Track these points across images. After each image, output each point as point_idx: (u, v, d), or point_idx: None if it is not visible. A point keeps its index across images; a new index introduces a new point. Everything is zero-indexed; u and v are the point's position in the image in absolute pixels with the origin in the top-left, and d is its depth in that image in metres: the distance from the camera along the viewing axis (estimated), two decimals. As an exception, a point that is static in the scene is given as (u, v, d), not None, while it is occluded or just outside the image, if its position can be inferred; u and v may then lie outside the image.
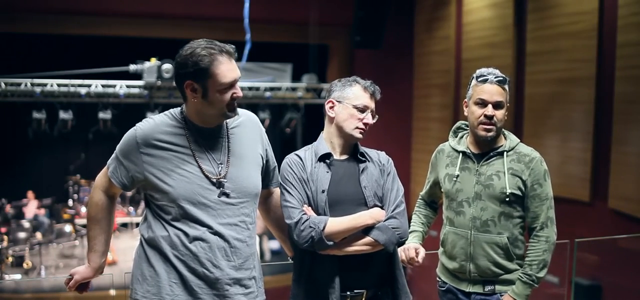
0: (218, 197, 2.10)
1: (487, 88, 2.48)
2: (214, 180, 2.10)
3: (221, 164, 2.13)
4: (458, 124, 2.75)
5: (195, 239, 2.07)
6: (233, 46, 2.10)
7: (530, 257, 2.51)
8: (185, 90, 2.07)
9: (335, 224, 2.20)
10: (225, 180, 2.11)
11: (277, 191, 2.44)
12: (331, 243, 2.20)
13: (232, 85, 2.07)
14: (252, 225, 2.21)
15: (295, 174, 2.30)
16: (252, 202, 2.20)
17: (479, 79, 2.51)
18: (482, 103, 2.49)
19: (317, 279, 2.27)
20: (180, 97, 2.16)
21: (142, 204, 2.27)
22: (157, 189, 2.07)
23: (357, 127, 2.31)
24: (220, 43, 2.07)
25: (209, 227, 2.08)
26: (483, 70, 2.54)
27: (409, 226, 2.79)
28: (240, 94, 2.11)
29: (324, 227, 2.18)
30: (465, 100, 2.59)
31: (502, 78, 2.50)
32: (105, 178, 2.18)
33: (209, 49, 2.03)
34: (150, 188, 2.10)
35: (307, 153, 2.36)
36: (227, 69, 2.05)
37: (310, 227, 2.19)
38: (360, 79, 2.37)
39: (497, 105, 2.48)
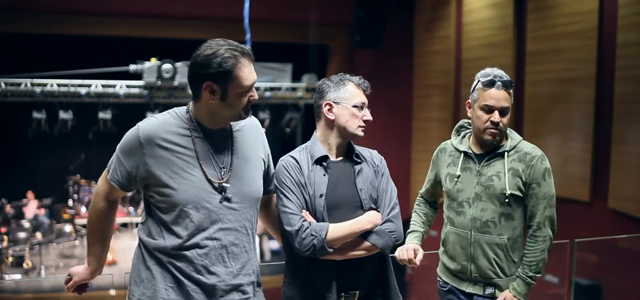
0: (220, 202, 2.07)
1: (494, 94, 2.45)
2: (217, 184, 2.07)
3: (224, 167, 2.10)
4: (461, 122, 2.73)
5: (191, 244, 2.04)
6: (250, 48, 2.07)
7: (529, 257, 2.50)
8: (202, 91, 2.02)
9: (336, 230, 2.20)
10: (227, 184, 2.08)
11: (275, 195, 2.44)
12: (331, 250, 2.19)
13: (250, 88, 2.05)
14: (252, 230, 2.18)
15: (293, 178, 2.27)
16: (254, 207, 2.18)
17: (485, 83, 2.47)
18: (489, 109, 2.46)
19: (313, 282, 2.27)
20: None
21: (142, 204, 2.24)
22: (159, 191, 2.04)
23: (359, 126, 2.30)
24: (240, 44, 2.04)
25: (207, 231, 2.05)
26: (488, 72, 2.49)
27: (409, 224, 2.80)
28: (256, 97, 2.09)
29: (325, 235, 2.17)
30: (469, 101, 2.56)
31: (508, 81, 2.47)
32: (106, 183, 2.13)
33: (232, 50, 1.99)
34: (151, 189, 2.07)
35: (302, 155, 2.33)
36: (249, 71, 2.02)
37: (312, 235, 2.17)
38: (350, 76, 2.35)
39: (503, 111, 2.47)
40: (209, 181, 2.06)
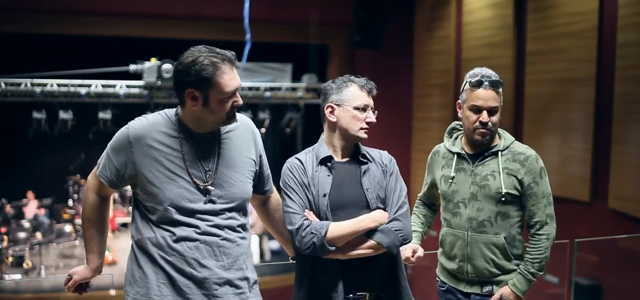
0: (204, 204, 2.10)
1: (482, 94, 2.47)
2: (202, 187, 2.10)
3: (209, 170, 2.12)
4: (452, 124, 2.75)
5: (181, 238, 2.07)
6: (233, 53, 2.08)
7: (532, 254, 2.51)
8: (185, 97, 2.06)
9: (337, 228, 2.19)
10: (212, 187, 2.11)
11: (273, 196, 2.44)
12: (333, 248, 2.18)
13: (233, 93, 2.06)
14: (242, 227, 2.20)
15: (296, 178, 2.28)
16: (242, 208, 2.20)
17: (473, 84, 2.49)
18: (477, 109, 2.48)
19: (320, 283, 2.26)
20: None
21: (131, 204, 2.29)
22: (146, 190, 2.08)
23: (361, 128, 2.30)
24: (221, 50, 2.06)
25: (195, 227, 2.08)
26: (476, 72, 2.51)
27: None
28: (240, 102, 2.11)
29: (325, 233, 2.17)
30: (459, 102, 2.58)
31: (496, 81, 2.48)
32: (95, 178, 2.17)
33: (211, 57, 2.01)
34: (138, 187, 2.11)
35: (308, 156, 2.34)
36: (230, 78, 2.04)
37: (312, 233, 2.18)
38: (355, 77, 2.35)
39: (491, 111, 2.48)
40: (195, 183, 2.09)
